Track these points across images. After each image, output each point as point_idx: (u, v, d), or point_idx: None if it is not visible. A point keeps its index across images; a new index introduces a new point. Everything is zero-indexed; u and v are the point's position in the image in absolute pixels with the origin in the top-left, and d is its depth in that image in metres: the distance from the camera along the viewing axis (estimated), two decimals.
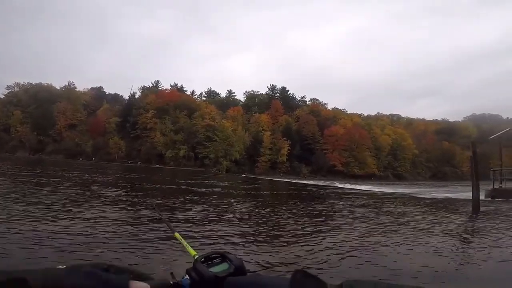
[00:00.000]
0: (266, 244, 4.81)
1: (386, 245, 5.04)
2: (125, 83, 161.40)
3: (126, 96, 70.58)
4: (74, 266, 0.43)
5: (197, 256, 0.63)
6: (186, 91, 71.80)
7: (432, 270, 3.87)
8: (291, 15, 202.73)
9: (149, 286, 0.48)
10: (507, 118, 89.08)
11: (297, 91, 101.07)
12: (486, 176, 15.82)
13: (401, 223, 7.57)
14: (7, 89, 62.10)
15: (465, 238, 6.17)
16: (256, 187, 20.68)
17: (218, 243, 4.59)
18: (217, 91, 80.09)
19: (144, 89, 67.72)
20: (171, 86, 70.20)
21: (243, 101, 74.38)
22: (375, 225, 7.07)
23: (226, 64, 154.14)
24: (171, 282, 0.55)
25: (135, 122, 57.56)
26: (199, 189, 14.21)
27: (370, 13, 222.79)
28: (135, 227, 5.13)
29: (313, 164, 59.37)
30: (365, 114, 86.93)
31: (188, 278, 0.57)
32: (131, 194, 10.25)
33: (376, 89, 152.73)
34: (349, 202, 12.49)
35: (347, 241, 5.17)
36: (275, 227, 6.34)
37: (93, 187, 11.30)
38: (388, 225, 7.09)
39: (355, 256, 4.34)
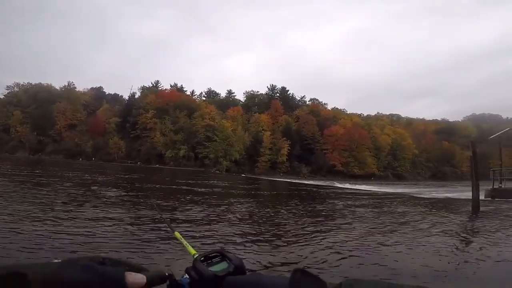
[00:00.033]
0: (266, 244, 4.82)
1: (386, 245, 5.05)
2: (125, 83, 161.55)
3: (126, 96, 70.72)
4: (70, 260, 0.43)
5: (196, 255, 0.63)
6: (186, 91, 71.90)
7: (432, 270, 3.88)
8: (291, 15, 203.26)
9: (145, 277, 0.48)
10: (507, 118, 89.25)
11: (297, 91, 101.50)
12: (486, 176, 15.83)
13: (401, 223, 7.58)
14: (6, 89, 62.31)
15: (465, 238, 6.18)
16: (256, 187, 20.69)
17: (219, 242, 4.60)
18: (217, 91, 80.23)
19: (144, 89, 67.74)
20: (171, 86, 70.32)
21: (243, 101, 74.41)
22: (375, 225, 7.08)
23: (226, 64, 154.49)
24: (167, 274, 0.55)
25: (135, 122, 57.54)
26: (199, 189, 14.22)
27: (370, 13, 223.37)
28: (135, 227, 5.15)
29: (313, 164, 59.38)
30: (365, 114, 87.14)
31: (188, 277, 0.57)
32: (131, 194, 10.26)
33: (376, 89, 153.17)
34: (349, 202, 12.50)
35: (347, 241, 5.19)
36: (275, 227, 6.35)
37: (93, 187, 11.30)
38: (388, 225, 7.10)
39: (355, 256, 4.35)
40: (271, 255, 4.20)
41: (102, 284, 0.42)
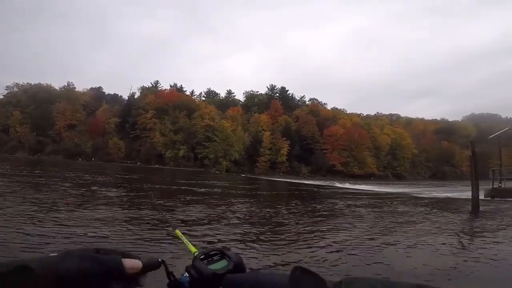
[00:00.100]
0: (267, 243, 4.83)
1: (386, 244, 5.06)
2: (124, 83, 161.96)
3: (125, 96, 70.74)
4: (67, 252, 0.44)
5: (197, 253, 0.63)
6: (186, 91, 71.91)
7: (432, 269, 3.89)
8: (291, 15, 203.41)
9: (140, 262, 0.50)
10: (506, 117, 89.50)
11: (296, 91, 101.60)
12: (485, 175, 15.84)
13: (401, 222, 7.59)
14: (6, 89, 62.29)
15: (464, 237, 6.19)
16: (256, 187, 20.70)
17: (220, 242, 4.61)
18: (217, 91, 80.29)
19: (143, 89, 67.70)
20: (170, 86, 70.33)
21: (243, 101, 74.45)
22: (375, 224, 7.09)
23: (226, 64, 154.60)
24: (160, 260, 0.56)
25: (135, 122, 57.52)
26: (199, 189, 14.22)
27: (370, 13, 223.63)
28: (136, 226, 5.15)
29: (312, 164, 59.42)
30: (365, 114, 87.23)
31: (188, 275, 0.57)
32: (132, 194, 10.26)
33: (375, 89, 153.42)
34: (349, 202, 12.51)
35: (347, 240, 5.20)
36: (275, 226, 6.36)
37: (93, 188, 11.30)
38: (388, 225, 7.12)
39: (356, 255, 4.36)
40: (271, 254, 4.21)
41: (102, 271, 0.43)
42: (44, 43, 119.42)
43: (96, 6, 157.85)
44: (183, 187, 14.83)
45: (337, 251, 4.51)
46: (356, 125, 66.66)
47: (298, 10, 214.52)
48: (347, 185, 31.35)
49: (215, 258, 0.61)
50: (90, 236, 4.31)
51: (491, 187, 15.58)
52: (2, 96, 61.44)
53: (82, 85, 76.09)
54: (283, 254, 4.28)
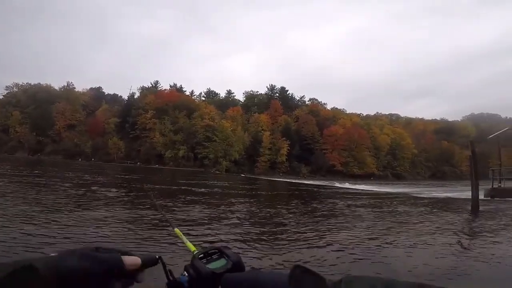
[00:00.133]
0: (267, 243, 4.83)
1: (386, 244, 5.07)
2: (124, 83, 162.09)
3: (125, 96, 70.79)
4: (67, 251, 0.45)
5: (196, 252, 0.63)
6: (186, 91, 71.96)
7: (432, 269, 3.90)
8: (291, 15, 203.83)
9: (139, 259, 0.51)
10: (506, 117, 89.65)
11: (296, 91, 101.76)
12: (485, 175, 15.86)
13: (401, 222, 7.60)
14: (6, 89, 62.32)
15: (464, 237, 6.20)
16: (256, 187, 20.70)
17: (220, 241, 4.61)
18: (217, 91, 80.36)
19: (143, 90, 67.71)
20: (170, 86, 70.37)
21: (243, 101, 74.50)
22: (375, 224, 7.10)
23: (226, 64, 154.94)
24: (157, 256, 0.57)
25: (134, 122, 57.50)
26: (199, 190, 14.21)
27: (370, 13, 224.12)
28: (137, 226, 5.16)
29: (312, 164, 59.43)
30: (364, 114, 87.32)
31: (186, 275, 0.57)
32: (132, 195, 10.26)
33: (375, 89, 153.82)
34: (349, 202, 12.52)
35: (348, 240, 5.20)
36: (276, 226, 6.36)
37: (93, 188, 11.29)
38: (388, 224, 7.12)
39: (356, 254, 4.37)
40: (272, 254, 4.21)
41: (101, 270, 0.44)
42: (44, 43, 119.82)
43: (96, 6, 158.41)
44: (183, 187, 14.83)
45: (337, 251, 4.51)
46: (356, 125, 66.72)
47: (298, 10, 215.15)
48: (347, 185, 31.38)
49: (214, 257, 0.61)
50: (91, 236, 4.31)
51: (490, 187, 15.60)
52: (2, 96, 61.63)
53: (81, 85, 76.43)
54: (284, 253, 4.29)
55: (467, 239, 6.09)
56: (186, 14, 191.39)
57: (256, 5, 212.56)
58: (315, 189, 22.08)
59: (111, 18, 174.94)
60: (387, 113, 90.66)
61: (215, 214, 7.33)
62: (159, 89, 67.89)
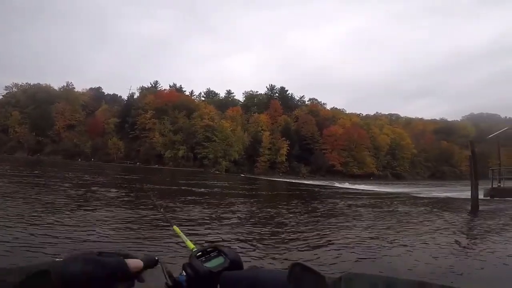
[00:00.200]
0: (267, 242, 4.85)
1: (387, 244, 5.09)
2: (124, 84, 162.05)
3: (125, 96, 70.63)
4: (71, 256, 0.45)
5: (194, 250, 0.63)
6: (185, 91, 71.82)
7: (431, 269, 3.92)
8: (291, 15, 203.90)
9: (141, 262, 0.52)
10: (505, 117, 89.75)
11: (296, 91, 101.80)
12: (484, 175, 15.89)
13: (401, 222, 7.62)
14: (5, 89, 62.14)
15: (464, 237, 6.22)
16: (256, 187, 20.71)
17: (220, 241, 4.62)
18: (216, 91, 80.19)
19: (143, 90, 67.59)
20: (170, 86, 70.25)
21: (242, 101, 74.41)
22: (375, 224, 7.12)
23: (225, 64, 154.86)
24: (156, 258, 0.57)
25: (134, 122, 57.43)
26: (199, 190, 14.22)
27: (370, 13, 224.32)
28: (137, 226, 5.17)
29: (312, 164, 59.43)
30: (364, 114, 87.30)
31: (185, 274, 0.57)
32: (132, 195, 10.26)
33: (375, 89, 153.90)
34: (349, 202, 12.54)
35: (348, 240, 5.22)
36: (276, 226, 6.37)
37: (93, 188, 11.29)
38: (388, 224, 7.14)
39: (356, 254, 4.39)
40: (272, 253, 4.23)
41: (104, 274, 0.45)
42: (44, 43, 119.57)
43: (96, 6, 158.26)
44: (183, 187, 14.84)
45: (338, 250, 4.53)
46: (356, 125, 66.70)
47: (298, 10, 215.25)
48: (346, 185, 31.41)
49: (212, 255, 0.60)
50: (93, 236, 4.32)
51: (490, 186, 15.63)
52: (1, 97, 61.40)
53: (81, 85, 76.42)
54: (285, 253, 4.31)
55: (466, 238, 6.11)
56: (186, 14, 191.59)
57: (256, 5, 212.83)
58: (315, 189, 22.09)
59: (111, 18, 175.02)
60: (386, 113, 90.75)
61: (215, 214, 7.34)
62: (159, 89, 67.82)
